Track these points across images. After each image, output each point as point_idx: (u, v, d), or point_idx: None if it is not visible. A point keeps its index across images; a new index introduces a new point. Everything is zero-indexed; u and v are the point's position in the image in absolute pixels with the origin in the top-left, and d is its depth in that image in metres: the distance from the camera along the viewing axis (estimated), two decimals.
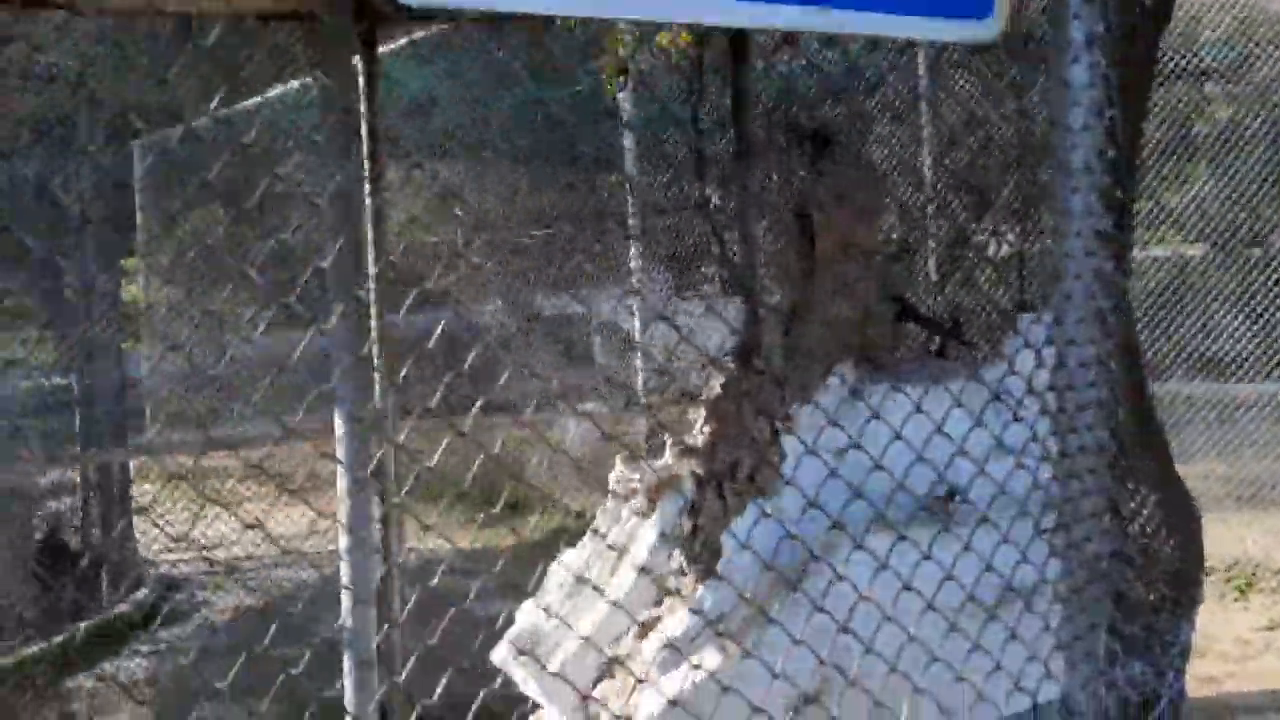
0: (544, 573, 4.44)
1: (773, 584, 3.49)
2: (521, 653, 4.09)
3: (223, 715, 6.15)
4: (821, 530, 3.47)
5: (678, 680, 3.33)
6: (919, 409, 2.99)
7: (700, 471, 3.96)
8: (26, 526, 7.90)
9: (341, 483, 3.66)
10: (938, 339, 4.15)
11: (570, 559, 4.24)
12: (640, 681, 3.55)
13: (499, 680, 4.09)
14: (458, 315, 8.44)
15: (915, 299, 4.25)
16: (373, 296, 3.20)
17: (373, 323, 3.38)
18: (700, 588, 3.63)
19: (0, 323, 8.41)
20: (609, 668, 3.77)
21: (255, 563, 8.57)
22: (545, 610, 4.19)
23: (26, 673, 6.21)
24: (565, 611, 4.07)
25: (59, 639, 6.98)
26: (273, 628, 6.70)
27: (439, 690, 2.39)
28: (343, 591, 3.54)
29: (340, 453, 3.44)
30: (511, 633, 4.19)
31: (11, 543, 7.54)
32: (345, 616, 3.56)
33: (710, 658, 3.35)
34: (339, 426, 3.47)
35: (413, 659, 2.74)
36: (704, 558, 3.81)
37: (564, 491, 9.45)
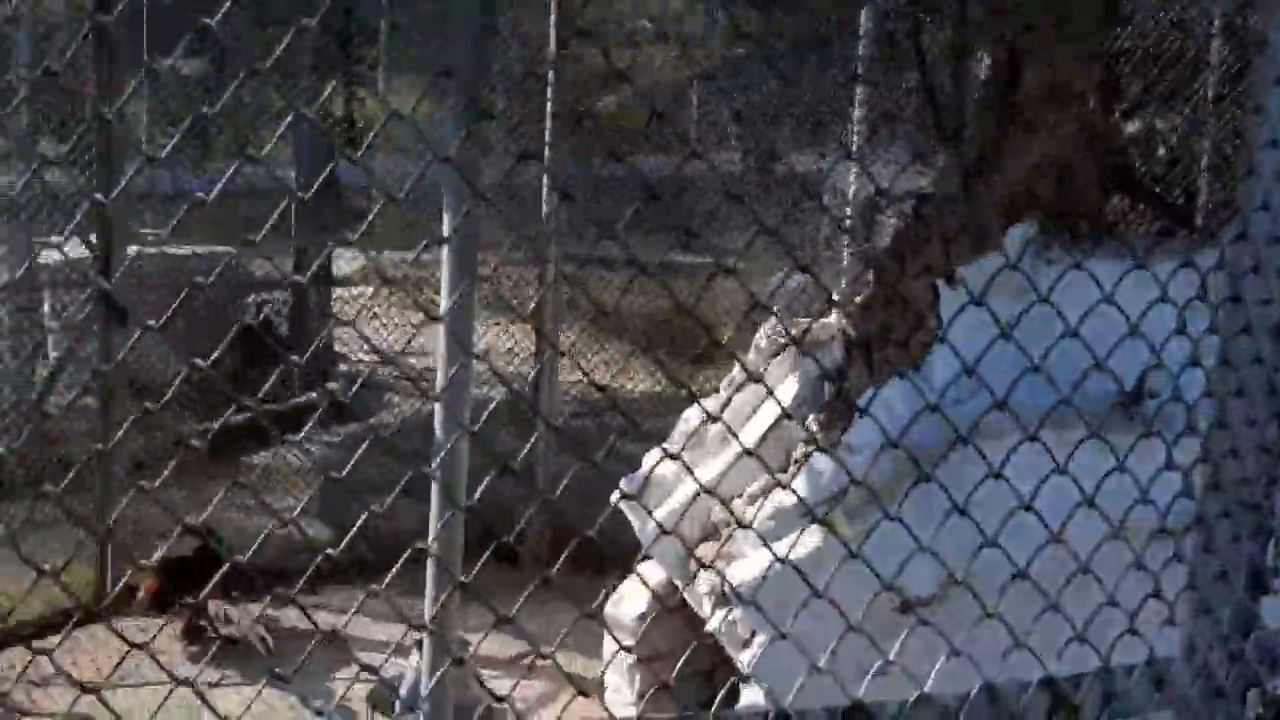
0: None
1: (905, 467, 3.07)
2: (632, 497, 3.84)
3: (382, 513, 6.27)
4: (974, 413, 2.99)
5: (780, 552, 2.99)
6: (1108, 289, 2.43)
7: (851, 333, 3.52)
8: (236, 309, 8.23)
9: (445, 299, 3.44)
10: (1161, 220, 3.50)
11: (699, 411, 3.92)
12: (740, 549, 3.24)
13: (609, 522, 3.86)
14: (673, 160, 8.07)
15: (1144, 173, 3.58)
16: None
17: None
18: (826, 458, 3.25)
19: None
20: (715, 528, 3.48)
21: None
22: (666, 456, 3.90)
23: (215, 444, 6.47)
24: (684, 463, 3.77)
25: (247, 416, 7.28)
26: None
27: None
28: (436, 420, 3.34)
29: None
30: (633, 476, 3.95)
31: (221, 323, 7.85)
32: (437, 448, 3.37)
33: (815, 537, 2.99)
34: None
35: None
36: (837, 426, 3.42)
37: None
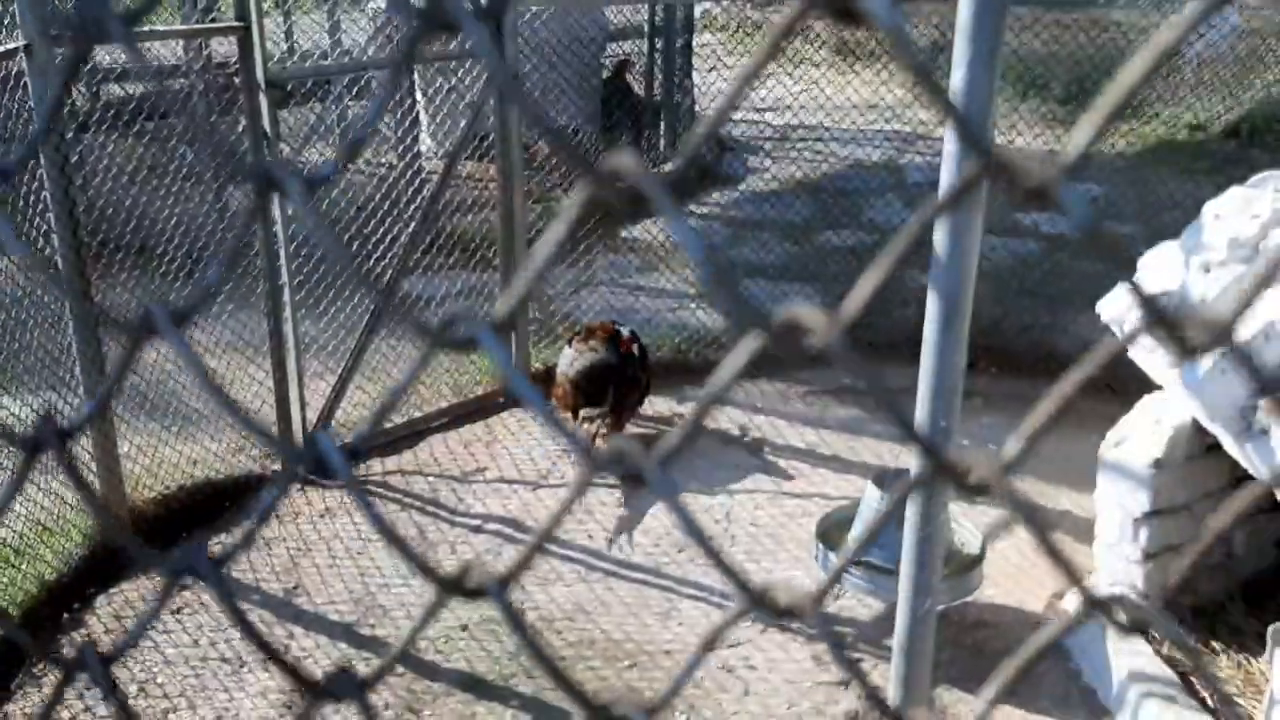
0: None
1: None
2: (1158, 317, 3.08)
3: (771, 291, 5.80)
4: None
5: None
6: None
7: None
8: (593, 64, 7.74)
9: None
10: None
11: (1242, 199, 3.03)
12: None
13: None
14: None
15: None
16: None
17: None
18: None
19: None
20: None
21: (808, 132, 7.90)
22: (1202, 269, 3.10)
23: (587, 213, 6.13)
24: (1233, 282, 2.96)
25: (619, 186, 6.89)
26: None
27: None
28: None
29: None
30: (1137, 285, 3.18)
31: (579, 79, 7.38)
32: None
33: None
34: None
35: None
36: None
37: (1190, 91, 7.68)
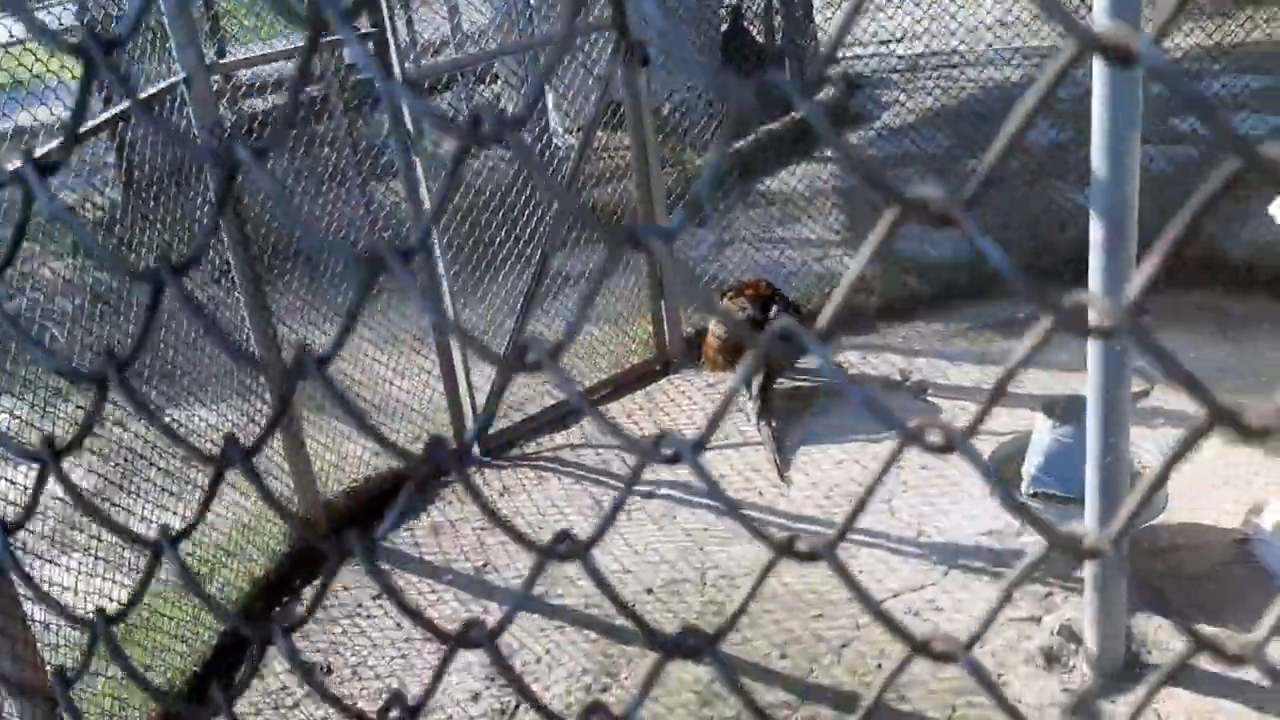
0: None
1: None
2: None
3: (929, 231, 5.70)
4: None
5: None
6: None
7: None
8: (711, 14, 7.68)
9: None
10: None
11: None
12: None
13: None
14: None
15: None
16: None
17: None
18: None
19: None
20: None
21: (940, 60, 7.68)
22: None
23: (724, 172, 6.12)
24: None
25: (749, 139, 6.87)
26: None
27: None
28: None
29: None
30: None
31: (697, 29, 7.34)
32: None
33: None
34: None
35: None
36: None
37: None
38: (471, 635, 0.69)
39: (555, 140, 6.42)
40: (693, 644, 0.69)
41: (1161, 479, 0.50)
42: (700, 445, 0.63)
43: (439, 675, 0.78)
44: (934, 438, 0.55)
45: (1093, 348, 2.91)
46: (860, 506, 0.60)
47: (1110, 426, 2.82)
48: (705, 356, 4.64)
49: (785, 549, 0.64)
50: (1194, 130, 6.24)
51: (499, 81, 7.18)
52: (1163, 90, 6.66)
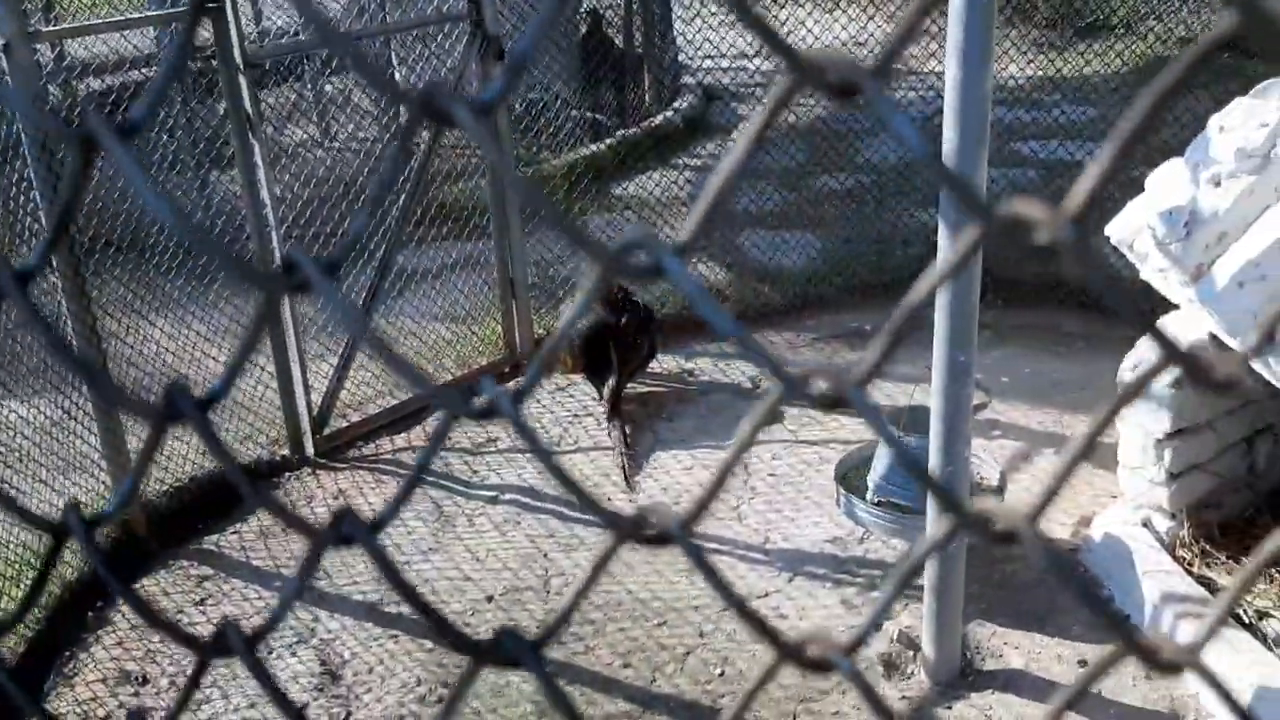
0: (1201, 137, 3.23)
1: None
2: (1164, 240, 3.02)
3: (771, 240, 5.73)
4: None
5: None
6: None
7: None
8: (570, 19, 7.62)
9: None
10: None
11: (1244, 110, 2.96)
12: None
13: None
14: None
15: None
16: None
17: None
18: None
19: None
20: None
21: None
22: (1211, 183, 3.03)
23: (576, 174, 6.06)
24: (1243, 194, 2.91)
25: (607, 144, 6.83)
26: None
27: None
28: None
29: None
30: (1152, 206, 3.12)
31: (557, 35, 7.27)
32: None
33: None
34: None
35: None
36: None
37: (1187, 4, 7.55)
38: (229, 642, 0.59)
39: None
40: (510, 648, 0.60)
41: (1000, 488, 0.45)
42: (520, 395, 0.55)
43: (190, 690, 0.67)
44: (822, 386, 0.48)
45: (937, 362, 2.94)
46: (718, 484, 0.53)
47: (951, 437, 2.85)
48: (558, 358, 4.56)
49: (631, 531, 0.56)
50: (1034, 154, 6.48)
51: (348, 72, 6.96)
52: (1007, 114, 6.91)
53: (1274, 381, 2.79)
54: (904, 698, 3.00)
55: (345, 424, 4.35)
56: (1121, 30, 7.79)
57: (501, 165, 0.51)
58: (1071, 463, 0.52)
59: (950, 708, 2.96)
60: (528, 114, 5.89)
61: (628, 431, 4.22)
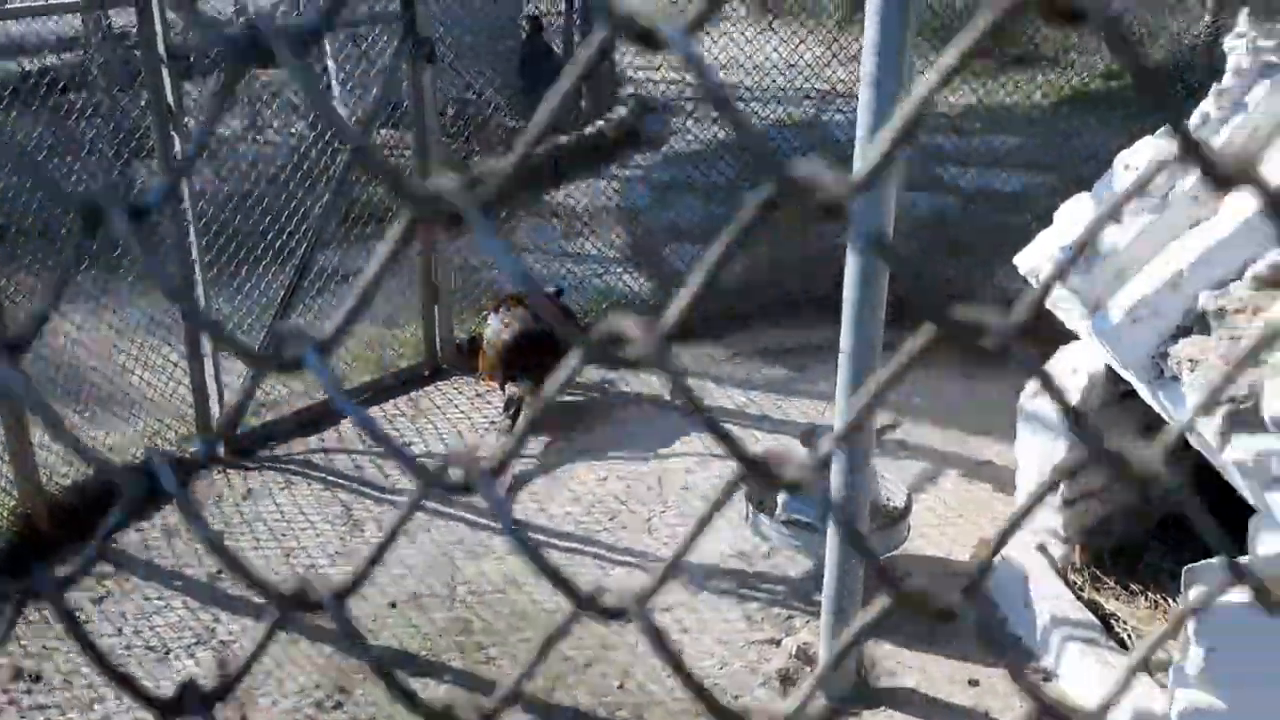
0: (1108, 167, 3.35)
1: None
2: (1061, 272, 3.11)
3: (696, 255, 5.78)
4: None
5: None
6: None
7: None
8: (509, 25, 7.63)
9: None
10: None
11: (1149, 151, 3.07)
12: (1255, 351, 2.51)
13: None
14: None
15: None
16: None
17: None
18: None
19: None
20: (1200, 321, 2.74)
21: (730, 92, 7.85)
22: (1111, 219, 3.13)
23: (513, 180, 6.04)
24: (1143, 231, 3.01)
25: (541, 150, 6.82)
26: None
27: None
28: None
29: None
30: (1057, 239, 3.22)
31: (493, 40, 7.28)
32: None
33: None
34: None
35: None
36: None
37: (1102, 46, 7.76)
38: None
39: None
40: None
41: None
42: (497, 470, 0.54)
43: None
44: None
45: (840, 383, 3.00)
46: (679, 555, 0.54)
47: (854, 457, 2.91)
48: (481, 364, 4.53)
49: (588, 603, 0.55)
50: (955, 183, 6.61)
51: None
52: (930, 140, 7.04)
53: (1163, 414, 2.89)
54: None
55: (257, 424, 4.31)
56: (1047, 63, 7.97)
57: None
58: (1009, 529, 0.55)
59: None
60: (459, 118, 5.85)
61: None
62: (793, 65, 7.20)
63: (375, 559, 0.58)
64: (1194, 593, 2.55)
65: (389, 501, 3.94)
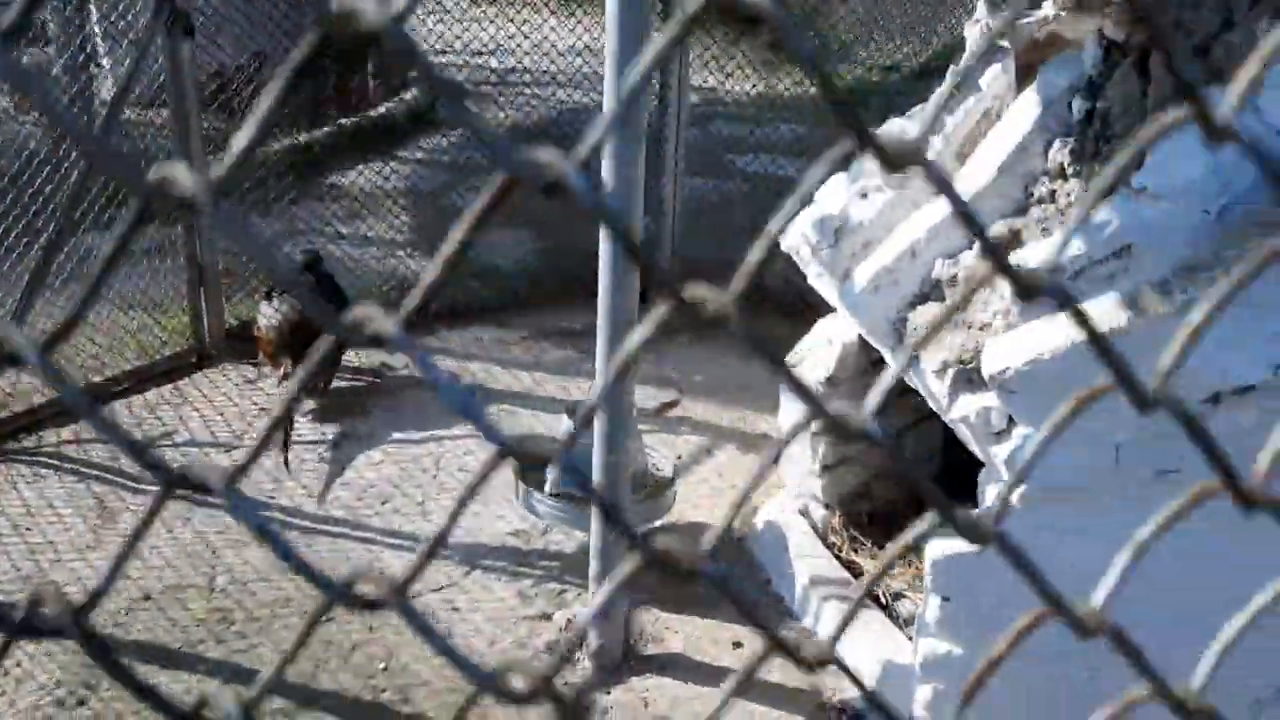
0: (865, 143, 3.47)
1: (1219, 241, 2.40)
2: (817, 246, 3.23)
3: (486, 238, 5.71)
4: None
5: (1045, 335, 2.39)
6: None
7: (1114, 29, 2.75)
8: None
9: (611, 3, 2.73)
10: None
11: (899, 129, 3.21)
12: (979, 316, 2.65)
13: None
14: None
15: None
16: None
17: None
18: (1098, 205, 2.58)
19: None
20: (935, 289, 2.87)
21: (532, 76, 7.82)
22: (859, 194, 3.26)
23: (291, 162, 5.87)
24: (886, 205, 3.13)
25: (324, 131, 6.64)
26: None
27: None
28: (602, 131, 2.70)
29: None
30: (809, 215, 3.32)
31: (269, 6, 7.02)
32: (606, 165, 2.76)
33: (1104, 307, 2.36)
34: None
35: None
36: (1100, 158, 2.73)
37: (896, 35, 8.07)
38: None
39: (102, 109, 5.86)
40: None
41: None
42: (236, 475, 0.51)
43: None
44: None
45: (599, 357, 3.02)
46: (437, 540, 0.52)
47: (614, 428, 2.93)
48: (261, 351, 4.34)
49: (344, 594, 0.52)
50: (743, 170, 6.76)
51: (50, 44, 6.47)
52: (725, 128, 7.19)
53: (920, 391, 3.02)
54: (567, 684, 3.05)
55: (7, 414, 4.04)
56: (839, 56, 8.23)
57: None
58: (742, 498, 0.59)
59: (609, 692, 3.03)
60: (221, 89, 5.51)
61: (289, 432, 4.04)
62: (593, 50, 7.23)
63: (115, 571, 0.55)
64: (910, 533, 2.68)
65: (148, 491, 3.76)
